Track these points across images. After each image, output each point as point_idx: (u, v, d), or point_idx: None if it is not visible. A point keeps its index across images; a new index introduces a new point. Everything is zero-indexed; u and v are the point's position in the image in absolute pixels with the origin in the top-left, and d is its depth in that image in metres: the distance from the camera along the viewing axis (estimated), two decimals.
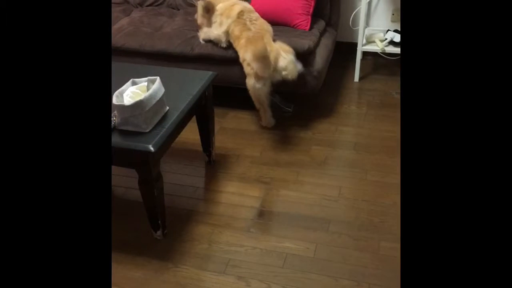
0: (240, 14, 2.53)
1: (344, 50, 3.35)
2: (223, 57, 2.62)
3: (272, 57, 2.33)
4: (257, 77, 2.38)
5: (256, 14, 2.58)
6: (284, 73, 2.37)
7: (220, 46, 2.61)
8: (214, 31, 2.62)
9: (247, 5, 2.65)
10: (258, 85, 2.40)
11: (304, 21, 2.74)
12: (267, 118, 2.64)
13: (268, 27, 2.54)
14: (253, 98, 2.50)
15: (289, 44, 2.47)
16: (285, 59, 2.35)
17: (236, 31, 2.50)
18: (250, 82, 2.42)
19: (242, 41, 2.45)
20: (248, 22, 2.49)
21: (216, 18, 2.63)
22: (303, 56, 2.52)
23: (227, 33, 2.57)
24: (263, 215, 2.10)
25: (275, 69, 2.36)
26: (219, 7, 2.63)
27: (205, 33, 2.66)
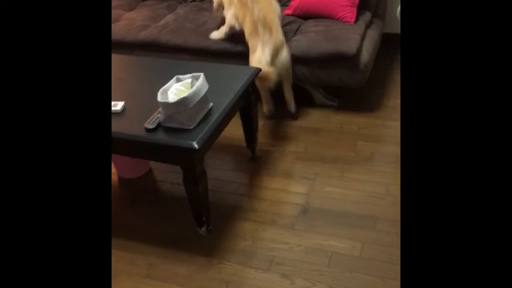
0: None
1: (392, 41, 3.25)
2: None
3: (273, 41, 2.36)
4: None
5: None
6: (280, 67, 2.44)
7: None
8: (226, 19, 2.60)
9: None
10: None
11: (349, 13, 2.67)
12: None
13: (272, 7, 2.43)
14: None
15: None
16: (285, 54, 2.43)
17: (240, 15, 2.46)
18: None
19: (247, 25, 2.41)
20: (249, 2, 2.39)
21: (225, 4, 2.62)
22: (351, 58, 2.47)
23: (235, 17, 2.53)
24: (308, 212, 2.07)
25: (277, 59, 2.40)
26: None
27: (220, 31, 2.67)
